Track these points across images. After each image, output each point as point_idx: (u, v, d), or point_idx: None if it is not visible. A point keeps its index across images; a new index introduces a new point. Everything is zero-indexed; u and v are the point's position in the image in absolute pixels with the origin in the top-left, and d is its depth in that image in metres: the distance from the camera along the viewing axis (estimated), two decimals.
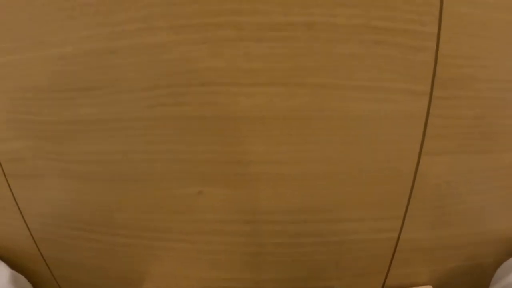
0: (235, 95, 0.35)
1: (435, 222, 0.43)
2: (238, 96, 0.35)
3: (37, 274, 0.52)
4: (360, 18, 0.34)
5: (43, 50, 0.38)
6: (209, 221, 0.41)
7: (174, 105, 0.36)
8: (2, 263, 0.47)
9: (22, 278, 0.48)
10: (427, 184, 0.41)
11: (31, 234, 0.47)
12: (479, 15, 0.35)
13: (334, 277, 0.47)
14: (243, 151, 0.37)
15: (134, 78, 0.36)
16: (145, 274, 0.48)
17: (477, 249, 0.47)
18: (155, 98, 0.36)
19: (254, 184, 0.39)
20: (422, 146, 0.39)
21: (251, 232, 0.41)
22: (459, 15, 0.35)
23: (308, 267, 0.46)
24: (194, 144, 0.37)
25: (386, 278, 0.48)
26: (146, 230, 0.42)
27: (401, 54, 0.35)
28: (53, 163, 0.42)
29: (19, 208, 0.46)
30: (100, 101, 0.38)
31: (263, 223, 0.41)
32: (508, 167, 0.42)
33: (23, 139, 0.42)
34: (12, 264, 0.49)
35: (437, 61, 0.36)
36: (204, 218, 0.41)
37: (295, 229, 0.41)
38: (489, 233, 0.46)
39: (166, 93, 0.36)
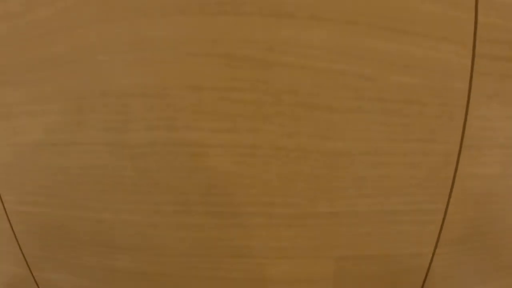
0: (264, 265, 0.39)
1: None
2: (267, 265, 0.40)
3: None
4: (378, 205, 0.38)
5: (79, 211, 0.40)
6: None
7: (208, 269, 0.40)
8: None
9: None
10: None
11: None
12: (486, 184, 0.39)
13: None
14: None
15: (171, 247, 0.39)
16: None
17: None
18: (192, 263, 0.40)
19: None
20: (425, 281, 0.44)
21: None
22: (466, 188, 0.39)
23: None
24: None
25: None
26: None
27: (411, 227, 0.39)
28: None
29: None
30: (138, 259, 0.41)
31: None
32: (507, 268, 0.46)
33: (62, 273, 0.45)
34: None
35: (443, 227, 0.40)
36: None
37: None
38: None
39: (201, 260, 0.40)
